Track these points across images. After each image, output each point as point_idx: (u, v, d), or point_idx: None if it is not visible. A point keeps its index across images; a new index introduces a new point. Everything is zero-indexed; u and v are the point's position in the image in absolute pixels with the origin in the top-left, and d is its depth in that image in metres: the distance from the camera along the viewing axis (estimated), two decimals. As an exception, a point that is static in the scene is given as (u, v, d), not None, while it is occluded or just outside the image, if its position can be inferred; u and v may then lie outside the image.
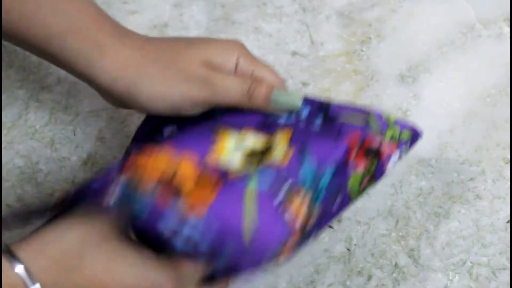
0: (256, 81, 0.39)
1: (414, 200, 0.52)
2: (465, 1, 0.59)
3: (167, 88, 0.38)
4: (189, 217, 0.31)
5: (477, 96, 0.55)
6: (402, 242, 0.50)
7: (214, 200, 0.32)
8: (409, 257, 0.50)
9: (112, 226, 0.33)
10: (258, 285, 0.49)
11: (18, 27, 0.38)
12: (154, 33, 0.58)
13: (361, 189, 0.39)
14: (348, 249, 0.50)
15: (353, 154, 0.37)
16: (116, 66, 0.38)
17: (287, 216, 0.33)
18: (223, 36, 0.58)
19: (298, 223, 0.33)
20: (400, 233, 0.51)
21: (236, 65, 0.40)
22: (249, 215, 0.32)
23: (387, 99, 0.55)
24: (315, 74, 0.56)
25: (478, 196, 0.52)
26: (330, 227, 0.51)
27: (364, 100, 0.55)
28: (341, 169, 0.37)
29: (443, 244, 0.50)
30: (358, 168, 0.38)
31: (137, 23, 0.58)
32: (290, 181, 0.34)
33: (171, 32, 0.58)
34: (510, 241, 0.50)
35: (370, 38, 0.58)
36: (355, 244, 0.50)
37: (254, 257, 0.33)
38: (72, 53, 0.38)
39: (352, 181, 0.38)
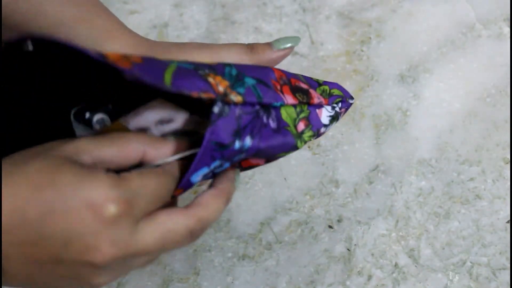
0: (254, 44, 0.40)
1: (414, 200, 0.52)
2: (465, 1, 0.59)
3: None
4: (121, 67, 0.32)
5: (477, 96, 0.55)
6: (402, 242, 0.50)
7: (139, 63, 0.33)
8: (409, 257, 0.50)
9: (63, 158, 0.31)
10: (258, 285, 0.49)
11: (24, 16, 0.38)
12: (154, 33, 0.58)
13: (300, 133, 0.40)
14: (348, 249, 0.50)
15: (278, 84, 0.39)
16: (126, 50, 0.38)
17: (207, 79, 0.35)
18: (223, 36, 0.58)
19: (220, 87, 0.35)
20: (400, 233, 0.51)
21: None
22: (170, 69, 0.34)
23: (387, 99, 0.55)
24: (315, 74, 0.56)
25: (478, 196, 0.52)
26: (330, 227, 0.51)
27: (364, 100, 0.55)
28: (266, 84, 0.38)
29: (443, 244, 0.50)
30: (288, 99, 0.39)
31: (137, 23, 0.58)
32: (208, 68, 0.36)
33: (171, 32, 0.58)
34: (510, 241, 0.50)
35: (370, 38, 0.58)
36: (355, 244, 0.50)
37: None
38: (81, 39, 0.38)
39: (286, 112, 0.39)
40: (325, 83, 0.42)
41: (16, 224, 0.27)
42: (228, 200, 0.35)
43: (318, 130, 0.41)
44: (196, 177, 0.36)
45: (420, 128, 0.54)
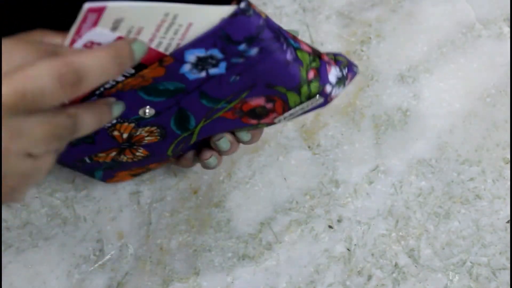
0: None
1: (414, 200, 0.52)
2: (465, 1, 0.59)
3: None
4: None
5: (477, 96, 0.55)
6: (402, 242, 0.50)
7: None
8: (409, 257, 0.50)
9: None
10: (258, 285, 0.49)
11: None
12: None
13: (308, 81, 0.40)
14: (348, 249, 0.50)
15: (290, 35, 0.39)
16: None
17: None
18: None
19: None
20: (400, 233, 0.51)
21: None
22: None
23: (387, 99, 0.55)
24: (315, 74, 0.56)
25: (478, 196, 0.52)
26: (330, 227, 0.51)
27: (364, 100, 0.55)
28: (277, 29, 0.38)
29: (443, 244, 0.50)
30: (303, 47, 0.40)
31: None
32: None
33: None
34: (510, 241, 0.50)
35: (370, 38, 0.58)
36: (355, 244, 0.50)
37: None
38: None
39: (301, 56, 0.39)
40: (330, 53, 0.42)
41: None
42: (117, 56, 0.32)
43: (324, 85, 0.40)
44: (191, 54, 0.35)
45: (420, 128, 0.54)
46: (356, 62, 0.57)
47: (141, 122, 0.41)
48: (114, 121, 0.40)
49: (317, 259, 0.50)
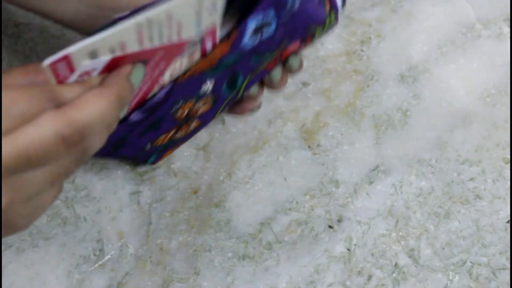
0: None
1: (414, 200, 0.52)
2: (465, 1, 0.59)
3: None
4: None
5: (477, 96, 0.55)
6: (402, 242, 0.50)
7: None
8: (409, 257, 0.50)
9: None
10: (258, 285, 0.49)
11: None
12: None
13: (328, 13, 0.45)
14: (348, 249, 0.50)
15: None
16: None
17: None
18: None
19: None
20: (400, 233, 0.51)
21: None
22: None
23: (387, 99, 0.55)
24: (315, 74, 0.56)
25: (478, 196, 0.52)
26: (330, 227, 0.51)
27: (364, 100, 0.55)
28: None
29: (443, 244, 0.50)
30: None
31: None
32: None
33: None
34: (510, 241, 0.50)
35: (370, 38, 0.58)
36: (355, 244, 0.50)
37: None
38: None
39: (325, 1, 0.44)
40: None
41: None
42: (118, 98, 0.30)
43: (336, 14, 0.46)
44: (252, 21, 0.37)
45: (420, 128, 0.54)
46: (356, 62, 0.57)
47: (201, 95, 0.42)
48: (180, 103, 0.41)
49: (317, 259, 0.50)
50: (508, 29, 0.57)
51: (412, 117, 0.54)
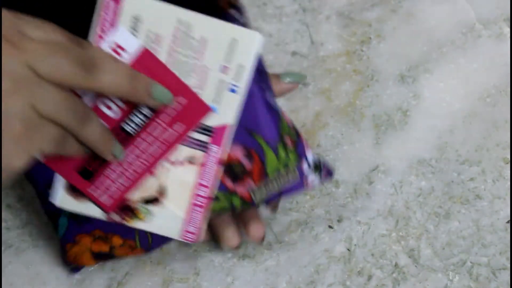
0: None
1: (414, 200, 0.52)
2: (465, 1, 0.59)
3: None
4: None
5: (477, 96, 0.55)
6: (402, 242, 0.50)
7: None
8: (409, 257, 0.50)
9: None
10: (258, 285, 0.49)
11: None
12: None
13: (286, 145, 0.42)
14: (348, 249, 0.50)
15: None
16: None
17: None
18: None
19: None
20: (400, 233, 0.51)
21: None
22: None
23: (387, 99, 0.55)
24: (315, 74, 0.56)
25: (478, 196, 0.52)
26: (330, 227, 0.51)
27: (364, 100, 0.55)
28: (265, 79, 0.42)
29: (443, 244, 0.50)
30: (285, 116, 0.42)
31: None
32: None
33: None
34: (510, 241, 0.50)
35: (370, 38, 0.58)
36: (355, 244, 0.50)
37: None
38: None
39: (281, 117, 0.42)
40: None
41: None
42: (133, 77, 0.34)
43: (301, 159, 0.44)
44: None
45: (420, 128, 0.54)
46: (356, 62, 0.57)
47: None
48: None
49: (317, 259, 0.50)
50: (508, 29, 0.57)
51: (412, 117, 0.54)
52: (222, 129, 0.38)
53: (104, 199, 0.39)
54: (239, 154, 0.40)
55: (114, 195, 0.39)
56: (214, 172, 0.39)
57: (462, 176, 0.52)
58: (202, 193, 0.40)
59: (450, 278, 0.49)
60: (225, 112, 0.37)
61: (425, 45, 0.57)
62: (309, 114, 0.55)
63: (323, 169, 0.45)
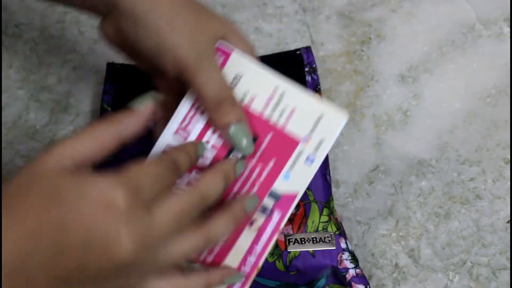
0: (233, 99, 0.38)
1: (414, 200, 0.52)
2: (465, 1, 0.59)
3: (199, 31, 0.37)
4: None
5: (477, 96, 0.55)
6: (402, 242, 0.50)
7: None
8: (409, 257, 0.50)
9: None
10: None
11: None
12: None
13: (330, 210, 0.47)
14: (348, 249, 0.50)
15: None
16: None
17: None
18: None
19: None
20: (400, 233, 0.51)
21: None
22: None
23: (387, 99, 0.55)
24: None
25: (478, 196, 0.52)
26: (330, 227, 0.51)
27: (364, 100, 0.55)
28: None
29: (443, 244, 0.50)
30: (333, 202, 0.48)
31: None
32: None
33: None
34: (510, 241, 0.50)
35: (370, 38, 0.58)
36: (355, 244, 0.50)
37: None
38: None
39: (330, 197, 0.47)
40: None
41: (34, 249, 0.26)
42: (225, 174, 0.34)
43: (338, 237, 0.47)
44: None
45: (420, 128, 0.54)
46: (356, 62, 0.57)
47: None
48: None
49: (317, 259, 0.50)
50: (508, 29, 0.57)
51: (412, 117, 0.54)
52: (290, 198, 0.37)
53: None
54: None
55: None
56: (269, 238, 0.38)
57: (462, 176, 0.52)
58: (252, 259, 0.38)
59: (450, 278, 0.49)
60: (297, 181, 0.37)
61: (425, 45, 0.57)
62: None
63: (358, 267, 0.46)
